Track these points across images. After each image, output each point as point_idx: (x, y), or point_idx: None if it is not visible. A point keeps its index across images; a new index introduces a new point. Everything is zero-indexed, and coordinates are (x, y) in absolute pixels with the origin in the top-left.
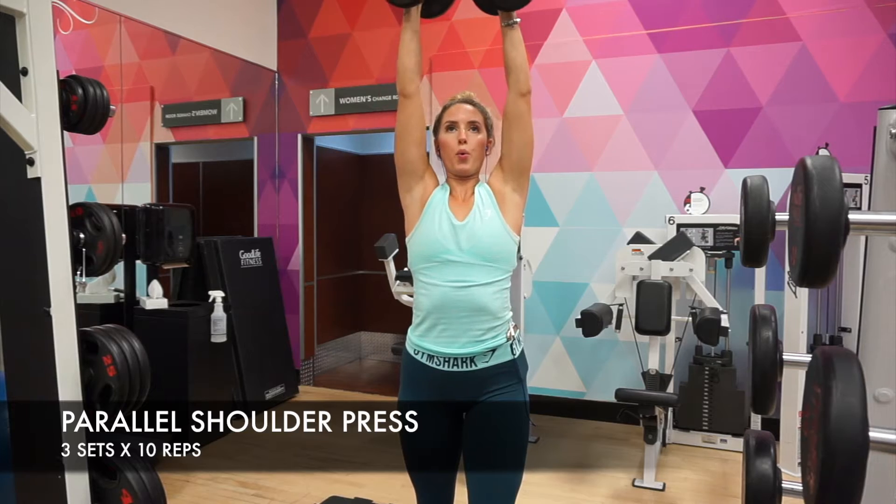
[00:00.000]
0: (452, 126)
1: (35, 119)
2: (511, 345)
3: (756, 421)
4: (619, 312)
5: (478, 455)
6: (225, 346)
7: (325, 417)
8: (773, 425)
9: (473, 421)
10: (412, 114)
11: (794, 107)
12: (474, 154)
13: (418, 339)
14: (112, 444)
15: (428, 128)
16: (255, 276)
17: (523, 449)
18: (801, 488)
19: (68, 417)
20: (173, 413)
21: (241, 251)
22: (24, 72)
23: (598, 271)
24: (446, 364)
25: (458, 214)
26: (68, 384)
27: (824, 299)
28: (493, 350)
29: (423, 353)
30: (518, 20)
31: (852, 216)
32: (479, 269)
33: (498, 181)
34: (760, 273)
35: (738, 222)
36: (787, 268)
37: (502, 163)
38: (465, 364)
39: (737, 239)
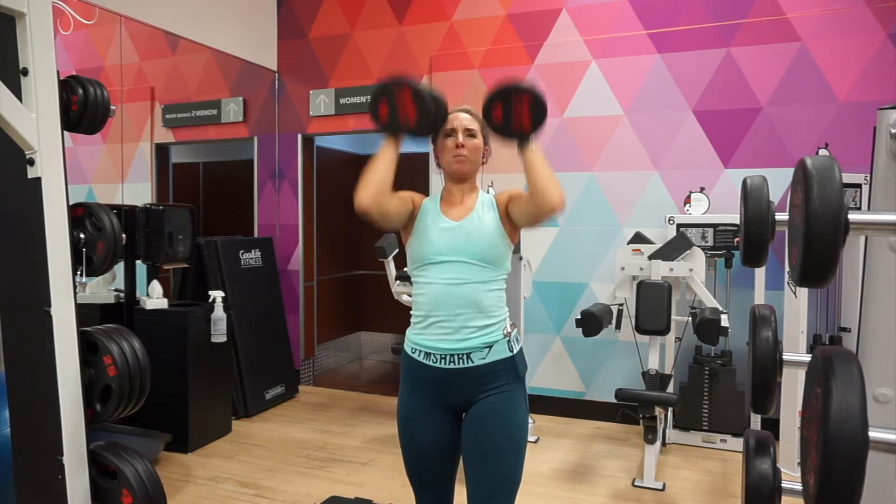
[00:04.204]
0: (451, 132)
1: (35, 119)
2: (508, 342)
3: (756, 421)
4: (619, 312)
5: (477, 454)
6: (225, 346)
7: (324, 417)
8: (773, 425)
9: (472, 419)
10: (392, 214)
11: (794, 107)
12: (471, 157)
13: (415, 337)
14: (112, 444)
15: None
16: (255, 276)
17: (522, 447)
18: (801, 488)
19: (68, 417)
20: (173, 413)
21: (241, 251)
22: (25, 72)
23: (598, 271)
24: (443, 361)
25: (452, 216)
26: (68, 384)
27: (824, 299)
28: (490, 346)
29: (421, 351)
30: (531, 145)
31: (852, 216)
32: (473, 268)
33: (504, 201)
34: (760, 273)
35: (738, 222)
36: (787, 268)
37: (510, 206)
38: (461, 360)
39: (737, 239)
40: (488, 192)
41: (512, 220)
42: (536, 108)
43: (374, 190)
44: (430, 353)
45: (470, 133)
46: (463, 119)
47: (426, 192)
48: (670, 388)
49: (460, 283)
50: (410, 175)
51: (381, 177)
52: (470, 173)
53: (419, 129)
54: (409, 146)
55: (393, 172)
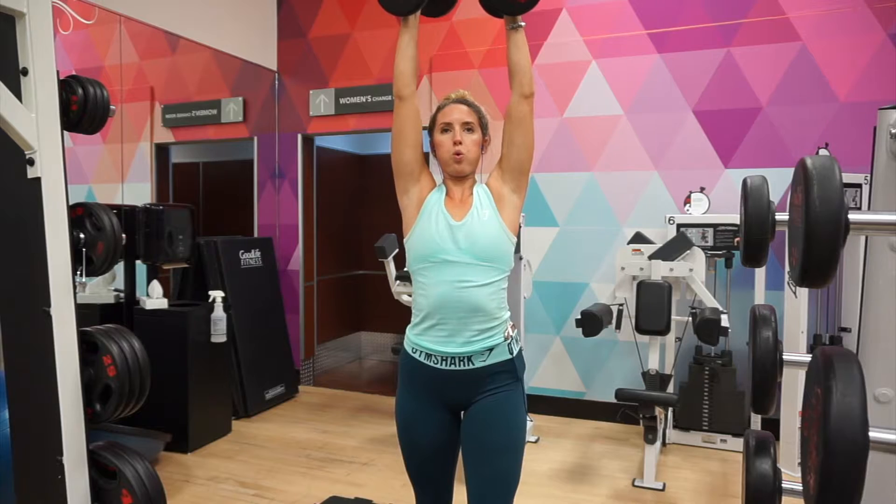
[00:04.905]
0: (447, 127)
1: (35, 119)
2: (509, 344)
3: (756, 421)
4: (619, 312)
5: (476, 453)
6: (225, 346)
7: (324, 417)
8: (773, 425)
9: (471, 419)
10: (407, 116)
11: (794, 107)
12: (470, 155)
13: (416, 338)
14: (112, 444)
15: (424, 128)
16: (255, 276)
17: (521, 447)
18: (801, 488)
19: (68, 417)
20: (173, 413)
21: (241, 251)
22: (25, 72)
23: (598, 271)
24: (444, 363)
25: (455, 215)
26: (68, 384)
27: (824, 299)
28: (491, 349)
29: (421, 352)
30: (523, 24)
31: (852, 216)
32: (476, 268)
33: (496, 181)
34: (760, 273)
35: (738, 222)
36: (787, 268)
37: (502, 163)
38: (462, 363)
39: (737, 239)
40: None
41: (514, 186)
42: None
43: (396, 76)
44: (431, 355)
45: (468, 127)
46: (460, 111)
47: None
48: (670, 388)
49: (464, 286)
50: None
51: (399, 64)
52: (469, 171)
53: (422, 3)
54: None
55: (410, 57)
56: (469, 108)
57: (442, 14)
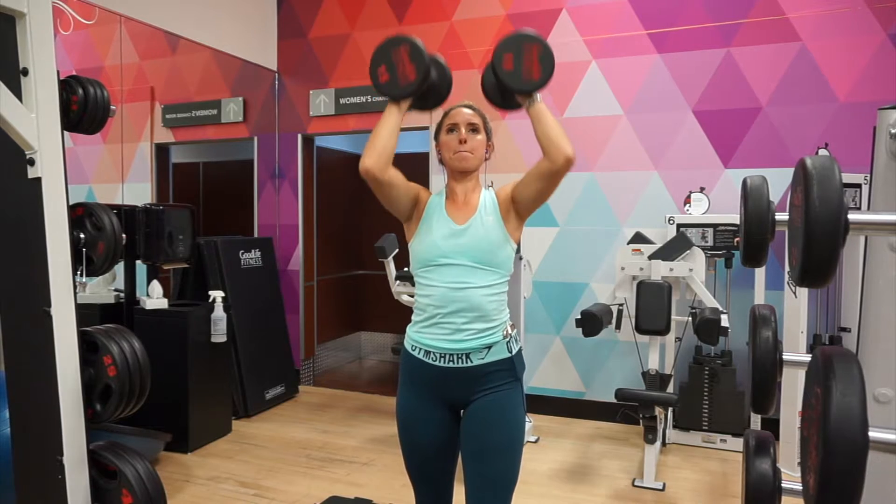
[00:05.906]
0: (453, 127)
1: (35, 119)
2: (508, 343)
3: (756, 421)
4: (619, 312)
5: (475, 452)
6: (225, 346)
7: (324, 417)
8: (773, 425)
9: (471, 418)
10: (393, 185)
11: (794, 107)
12: (474, 153)
13: (416, 335)
14: (112, 444)
15: (427, 128)
16: (255, 276)
17: (519, 446)
18: (801, 488)
19: (68, 417)
20: (173, 413)
21: (241, 251)
22: (25, 72)
23: (598, 271)
24: (443, 360)
25: (457, 219)
26: (68, 384)
27: (824, 299)
28: (489, 347)
29: (421, 349)
30: (539, 98)
31: (852, 216)
32: (476, 271)
33: (506, 198)
34: (760, 273)
35: (738, 222)
36: (787, 268)
37: (516, 191)
38: (461, 360)
39: (737, 239)
40: (490, 187)
41: (518, 212)
42: (546, 58)
43: (377, 154)
44: (429, 352)
45: (473, 128)
46: (465, 114)
47: None
48: (670, 388)
49: (463, 287)
50: (410, 175)
51: (384, 141)
52: (474, 170)
53: (419, 89)
54: (413, 146)
55: (396, 137)
56: (474, 112)
57: (430, 109)
